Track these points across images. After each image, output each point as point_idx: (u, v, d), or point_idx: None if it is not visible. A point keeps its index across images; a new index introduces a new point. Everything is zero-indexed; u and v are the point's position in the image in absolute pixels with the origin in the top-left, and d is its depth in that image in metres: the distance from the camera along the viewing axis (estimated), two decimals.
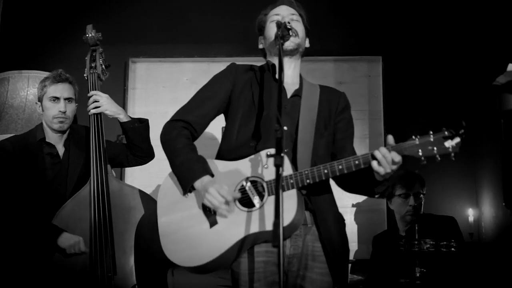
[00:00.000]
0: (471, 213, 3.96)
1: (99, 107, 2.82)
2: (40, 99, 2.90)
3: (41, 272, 2.64)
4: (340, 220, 2.29)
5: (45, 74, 3.60)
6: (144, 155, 2.98)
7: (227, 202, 2.07)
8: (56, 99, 2.86)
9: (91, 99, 2.85)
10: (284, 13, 2.36)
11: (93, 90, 2.89)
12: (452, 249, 2.97)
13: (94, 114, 2.82)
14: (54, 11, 4.34)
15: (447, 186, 4.08)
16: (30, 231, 2.66)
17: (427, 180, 3.55)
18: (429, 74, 4.22)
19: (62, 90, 2.87)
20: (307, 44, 2.43)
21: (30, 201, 2.71)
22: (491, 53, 3.93)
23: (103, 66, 2.96)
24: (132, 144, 2.92)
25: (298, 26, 2.35)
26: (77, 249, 2.58)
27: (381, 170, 1.99)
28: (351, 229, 4.08)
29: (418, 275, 2.99)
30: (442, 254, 2.99)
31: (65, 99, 2.87)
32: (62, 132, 2.89)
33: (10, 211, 2.68)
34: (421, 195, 3.45)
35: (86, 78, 2.93)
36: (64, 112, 2.84)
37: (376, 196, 2.19)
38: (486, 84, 3.77)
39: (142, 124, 2.91)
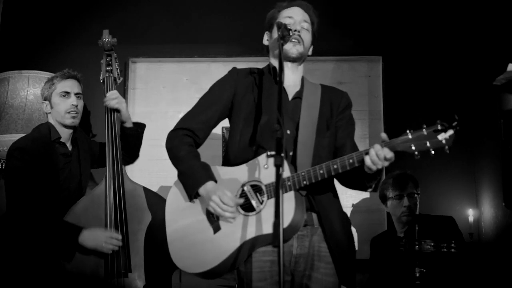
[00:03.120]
0: (471, 213, 3.96)
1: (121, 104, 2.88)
2: (47, 97, 2.92)
3: (56, 268, 2.64)
4: (345, 220, 2.30)
5: (45, 74, 3.62)
6: (133, 155, 3.09)
7: (230, 209, 2.09)
8: (67, 93, 2.90)
9: (113, 95, 2.87)
10: (298, 18, 2.35)
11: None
12: (452, 249, 2.96)
13: (111, 109, 2.86)
14: (54, 11, 4.34)
15: (447, 186, 4.07)
16: (50, 231, 2.64)
17: (427, 180, 3.54)
18: (429, 74, 4.21)
19: (72, 85, 2.93)
20: (309, 53, 2.44)
21: (47, 201, 2.71)
22: (491, 53, 3.93)
23: (118, 71, 3.01)
24: (128, 147, 2.99)
25: (306, 35, 2.34)
26: (111, 245, 2.60)
27: (373, 166, 2.01)
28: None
29: (418, 275, 2.99)
30: (442, 254, 2.99)
31: (75, 94, 2.92)
32: (73, 128, 2.93)
33: (31, 211, 2.67)
34: (415, 195, 3.41)
35: (102, 81, 2.97)
36: (76, 106, 2.89)
37: (369, 190, 2.20)
38: (486, 84, 3.78)
39: (142, 131, 3.04)
